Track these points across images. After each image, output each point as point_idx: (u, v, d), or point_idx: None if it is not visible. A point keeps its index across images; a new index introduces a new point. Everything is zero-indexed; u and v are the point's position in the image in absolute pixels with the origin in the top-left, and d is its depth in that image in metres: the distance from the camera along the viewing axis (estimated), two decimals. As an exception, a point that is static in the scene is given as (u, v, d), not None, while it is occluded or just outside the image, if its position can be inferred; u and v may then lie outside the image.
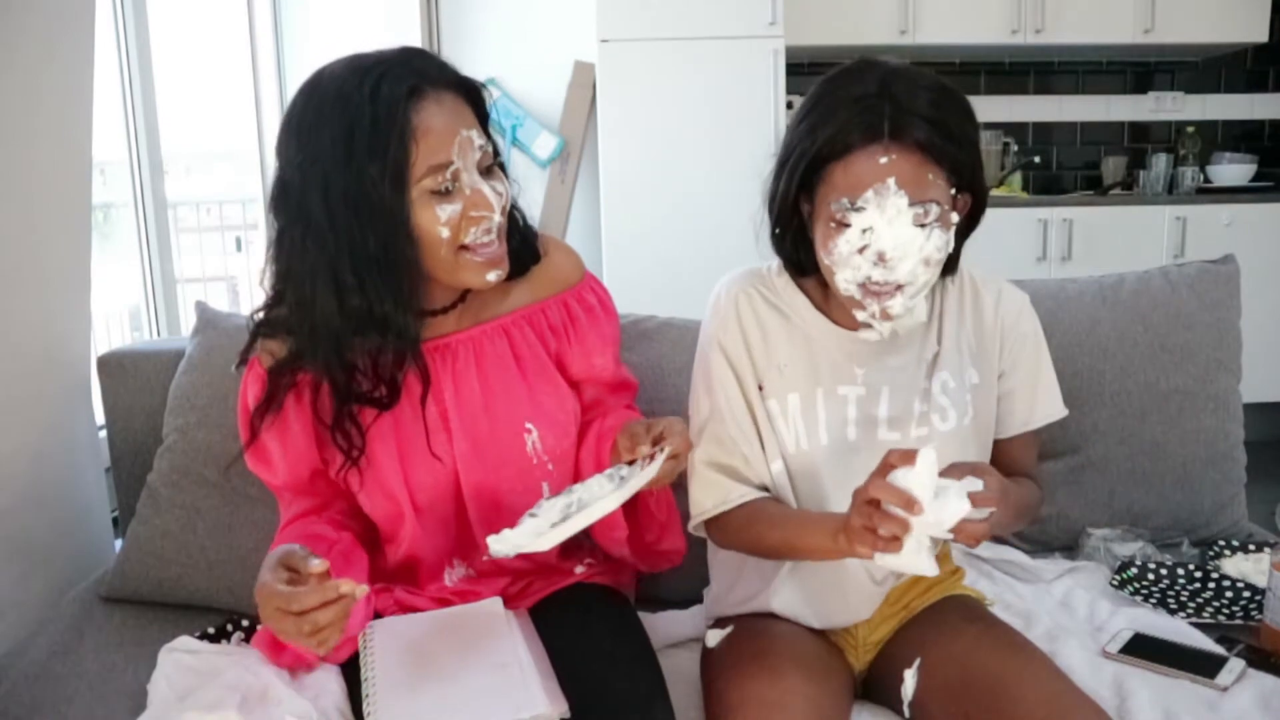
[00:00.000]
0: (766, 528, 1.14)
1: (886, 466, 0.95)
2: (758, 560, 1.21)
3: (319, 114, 1.04)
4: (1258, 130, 4.15)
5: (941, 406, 1.16)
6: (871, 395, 1.16)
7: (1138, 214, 3.65)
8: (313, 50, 3.30)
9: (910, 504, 0.91)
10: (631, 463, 1.07)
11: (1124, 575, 1.44)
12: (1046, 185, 4.09)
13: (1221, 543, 1.54)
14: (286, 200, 1.07)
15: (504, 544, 0.99)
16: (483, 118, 1.12)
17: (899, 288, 1.06)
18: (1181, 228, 3.59)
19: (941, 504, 0.92)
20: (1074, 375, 1.52)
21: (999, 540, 1.54)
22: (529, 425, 1.19)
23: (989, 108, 3.96)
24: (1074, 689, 1.05)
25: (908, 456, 0.93)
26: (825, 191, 1.07)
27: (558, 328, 1.24)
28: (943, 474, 0.94)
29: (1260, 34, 3.77)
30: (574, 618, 1.18)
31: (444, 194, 1.05)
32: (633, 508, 1.18)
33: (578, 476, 1.22)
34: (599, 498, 1.03)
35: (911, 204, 1.03)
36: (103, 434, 1.68)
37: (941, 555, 1.25)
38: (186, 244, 2.99)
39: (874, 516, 0.94)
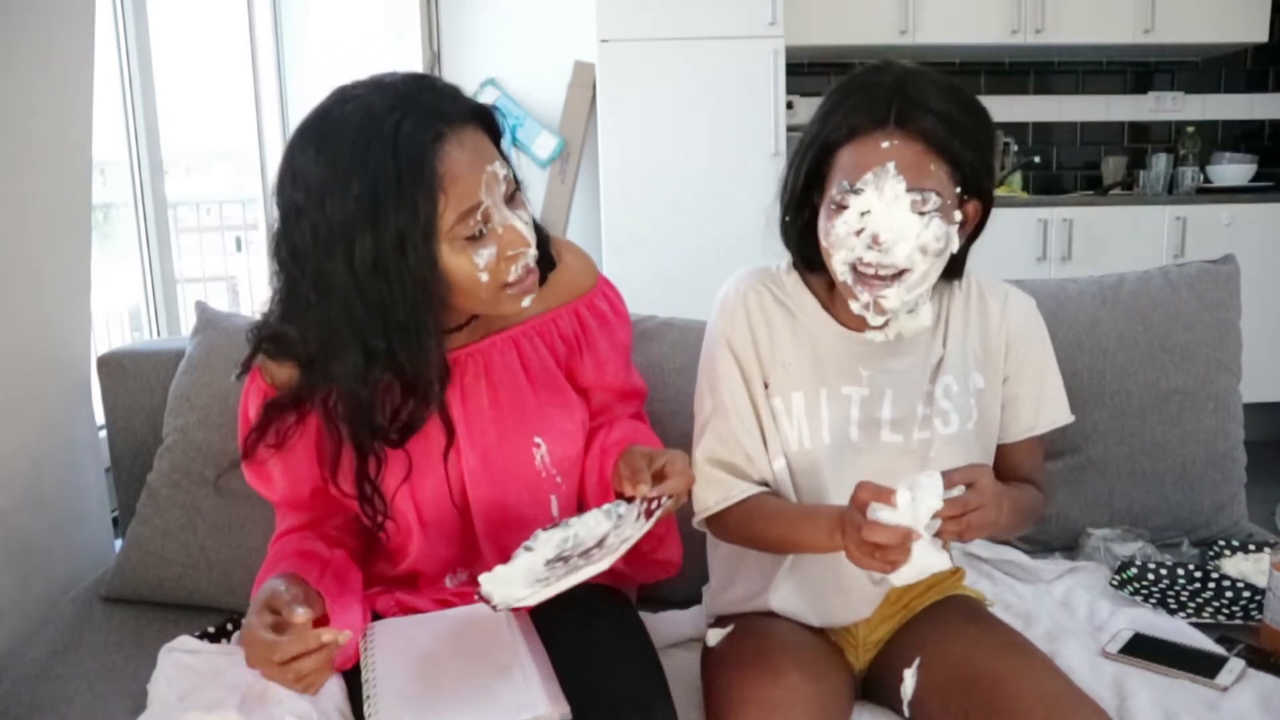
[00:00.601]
0: (767, 524, 1.14)
1: (860, 504, 0.97)
2: (757, 557, 1.21)
3: (333, 169, 0.97)
4: (1258, 130, 4.15)
5: (944, 410, 1.16)
6: (875, 397, 1.16)
7: (1138, 214, 3.65)
8: (313, 50, 3.30)
9: (906, 536, 0.93)
10: (631, 499, 1.06)
11: (1124, 575, 1.44)
12: (1046, 185, 4.09)
13: (1221, 543, 1.54)
14: (300, 261, 1.01)
15: (495, 589, 0.98)
16: (497, 139, 1.07)
17: (894, 277, 1.06)
18: (1181, 228, 3.59)
19: (919, 501, 0.94)
20: (1074, 375, 1.51)
21: (999, 541, 1.54)
22: (537, 439, 1.16)
23: (989, 108, 3.93)
24: (1074, 689, 1.05)
25: (882, 494, 0.95)
26: (832, 177, 1.08)
27: (568, 337, 1.22)
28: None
29: (1260, 34, 3.77)
30: (575, 618, 1.18)
31: (477, 238, 1.01)
32: None
33: (581, 486, 1.21)
34: (595, 535, 1.03)
35: (910, 190, 1.03)
36: (103, 434, 1.68)
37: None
38: (186, 244, 2.99)
39: (874, 553, 0.96)
